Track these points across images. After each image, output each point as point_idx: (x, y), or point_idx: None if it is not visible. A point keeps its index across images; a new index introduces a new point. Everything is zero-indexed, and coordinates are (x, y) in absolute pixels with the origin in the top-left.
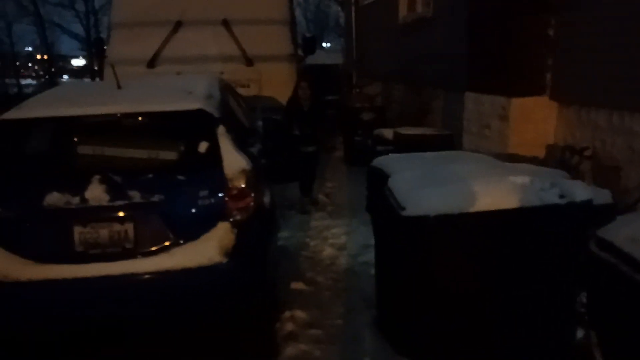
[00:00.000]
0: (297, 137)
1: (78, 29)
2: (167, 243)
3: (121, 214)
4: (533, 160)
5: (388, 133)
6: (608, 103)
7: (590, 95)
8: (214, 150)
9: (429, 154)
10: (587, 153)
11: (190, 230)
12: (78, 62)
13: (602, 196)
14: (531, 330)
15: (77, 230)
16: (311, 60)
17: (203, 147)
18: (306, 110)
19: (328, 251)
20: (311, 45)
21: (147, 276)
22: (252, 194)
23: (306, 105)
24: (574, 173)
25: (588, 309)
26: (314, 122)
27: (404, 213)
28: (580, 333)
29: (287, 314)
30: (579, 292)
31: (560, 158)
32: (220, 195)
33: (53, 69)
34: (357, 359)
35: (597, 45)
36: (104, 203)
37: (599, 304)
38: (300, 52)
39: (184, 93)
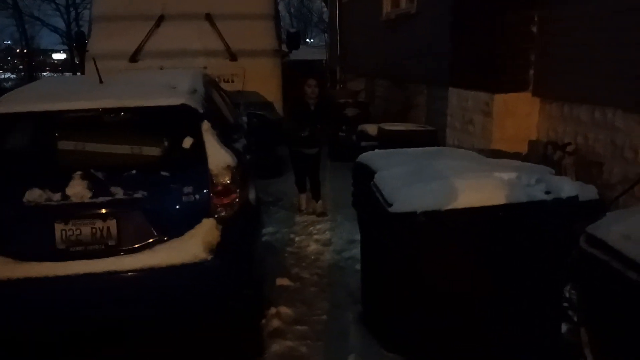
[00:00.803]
0: (302, 138)
1: (58, 22)
2: (150, 240)
3: (103, 210)
4: (516, 155)
5: (372, 129)
6: (590, 99)
7: (572, 91)
8: (198, 146)
9: (414, 150)
10: (570, 149)
11: (174, 227)
12: (59, 56)
13: (588, 192)
14: (519, 326)
15: (59, 227)
16: (295, 56)
17: (187, 142)
18: (313, 109)
19: (313, 247)
20: (295, 40)
21: (130, 274)
22: (237, 190)
23: (313, 105)
24: (557, 168)
25: (578, 306)
26: (321, 123)
27: (391, 209)
28: (564, 327)
29: (273, 310)
30: (563, 287)
31: (543, 153)
32: (204, 191)
33: (33, 63)
34: (344, 355)
35: (579, 42)
36: (86, 200)
37: (590, 301)
38: (284, 47)
39: (167, 88)
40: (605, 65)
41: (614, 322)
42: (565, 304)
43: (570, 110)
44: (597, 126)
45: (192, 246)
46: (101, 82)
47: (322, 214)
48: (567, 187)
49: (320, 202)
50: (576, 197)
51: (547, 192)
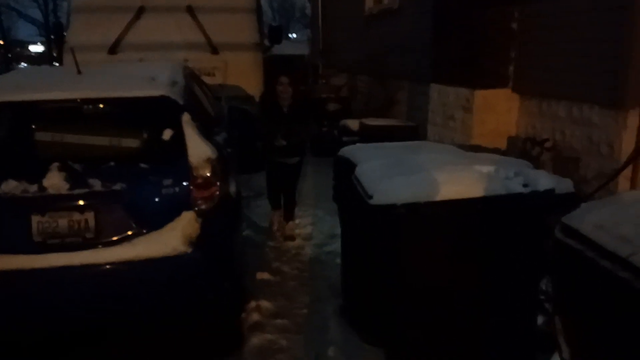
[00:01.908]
0: (275, 146)
1: (36, 13)
2: (129, 233)
3: (81, 202)
4: (495, 151)
5: (354, 124)
6: (568, 95)
7: (551, 88)
8: (179, 138)
9: (395, 144)
10: (548, 145)
11: (153, 219)
12: (36, 48)
13: (564, 185)
14: (499, 317)
15: (35, 219)
16: (277, 50)
17: (167, 134)
18: (286, 112)
19: (294, 241)
20: (277, 34)
21: (108, 267)
22: (217, 183)
23: (285, 106)
24: (535, 164)
25: (553, 295)
26: (297, 127)
27: (372, 201)
28: (540, 319)
29: (253, 304)
30: (539, 279)
31: (521, 149)
32: (184, 184)
33: (9, 55)
34: (324, 348)
35: (556, 38)
36: (63, 191)
37: (564, 290)
38: (266, 41)
39: (147, 79)
40: (582, 62)
41: (587, 311)
42: (542, 297)
43: (548, 107)
44: (575, 122)
45: (171, 239)
46: (79, 72)
47: (290, 237)
48: (544, 180)
49: (291, 223)
50: (553, 189)
51: (525, 185)
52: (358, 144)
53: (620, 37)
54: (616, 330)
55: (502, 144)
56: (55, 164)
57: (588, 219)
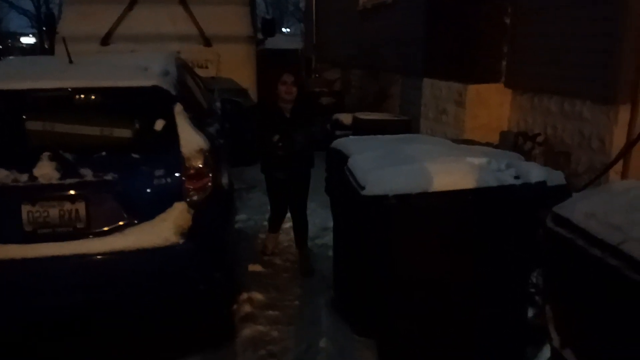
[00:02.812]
0: (276, 157)
1: (28, 4)
2: (120, 223)
3: (72, 192)
4: (487, 145)
5: (347, 118)
6: (560, 90)
7: (543, 83)
8: (171, 128)
9: (388, 137)
10: (539, 139)
11: (145, 210)
12: (28, 40)
13: (556, 177)
14: (490, 309)
15: (26, 209)
16: (271, 44)
17: (159, 125)
18: (288, 117)
19: (286, 234)
20: (271, 27)
21: (99, 257)
22: (210, 174)
23: (288, 110)
24: (527, 158)
25: (544, 284)
26: (301, 134)
27: (364, 192)
28: (531, 312)
29: (245, 295)
30: (530, 272)
31: (513, 143)
32: (176, 174)
33: (1, 47)
34: (315, 340)
35: (550, 34)
36: (54, 181)
37: (555, 279)
38: (259, 34)
39: (139, 69)
40: (574, 57)
41: (577, 299)
42: (532, 289)
43: (540, 102)
44: (566, 117)
45: (163, 229)
46: (71, 62)
47: (308, 272)
48: (535, 172)
49: (306, 251)
50: (544, 182)
51: (517, 177)
52: (351, 137)
53: (611, 33)
54: (606, 317)
55: (494, 139)
56: (46, 154)
57: (579, 208)
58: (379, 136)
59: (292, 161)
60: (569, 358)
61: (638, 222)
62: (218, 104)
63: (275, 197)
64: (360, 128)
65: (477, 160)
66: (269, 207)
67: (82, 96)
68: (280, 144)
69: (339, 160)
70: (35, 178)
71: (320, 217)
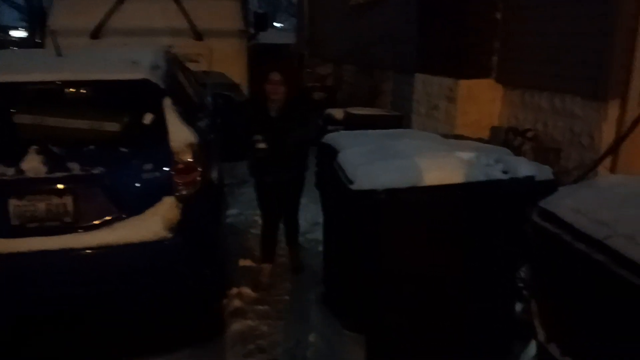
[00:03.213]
0: (261, 160)
1: None
2: (109, 217)
3: (60, 186)
4: (478, 141)
5: (338, 113)
6: (550, 86)
7: (533, 79)
8: (160, 122)
9: (378, 131)
10: (530, 135)
11: (133, 204)
12: (18, 33)
13: (544, 172)
14: (479, 303)
15: (13, 202)
16: (263, 39)
17: (148, 118)
18: (274, 116)
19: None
20: (263, 22)
21: (87, 251)
22: (199, 169)
23: (274, 109)
24: (517, 154)
25: (530, 278)
26: (288, 135)
27: (353, 187)
28: (519, 307)
29: (235, 290)
30: (519, 267)
31: (504, 139)
32: (165, 169)
33: None
34: (304, 334)
35: (540, 30)
36: (42, 175)
37: (541, 274)
38: (251, 29)
39: (128, 63)
40: (564, 53)
41: (563, 294)
42: (521, 284)
43: (531, 98)
44: (557, 113)
45: (152, 224)
46: (60, 55)
47: (297, 268)
48: (524, 167)
49: (297, 249)
50: (533, 177)
51: (505, 172)
52: (341, 131)
53: (602, 29)
54: (592, 312)
55: (485, 135)
56: (34, 147)
57: (565, 203)
58: (370, 131)
59: (281, 164)
60: (554, 353)
61: (624, 217)
62: (209, 99)
63: (266, 203)
64: (352, 123)
65: (466, 155)
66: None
67: (71, 89)
68: (261, 146)
69: (330, 154)
70: (23, 172)
71: (311, 212)
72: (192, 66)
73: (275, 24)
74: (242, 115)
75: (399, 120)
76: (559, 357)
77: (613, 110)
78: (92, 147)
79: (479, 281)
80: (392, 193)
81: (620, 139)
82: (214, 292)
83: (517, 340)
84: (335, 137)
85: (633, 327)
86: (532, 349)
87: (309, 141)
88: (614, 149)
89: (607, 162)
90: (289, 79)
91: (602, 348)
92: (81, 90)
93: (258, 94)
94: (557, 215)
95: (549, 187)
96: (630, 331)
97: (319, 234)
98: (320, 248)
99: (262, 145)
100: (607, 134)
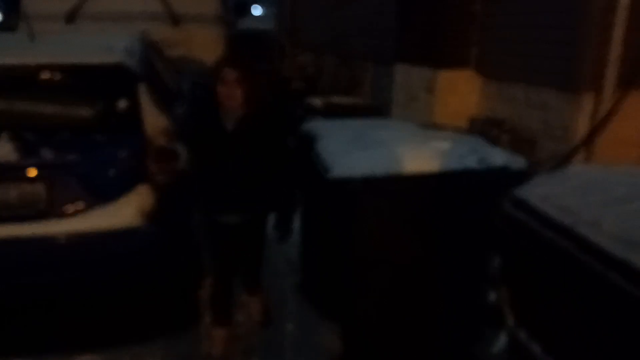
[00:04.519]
0: (212, 194)
1: None
2: (82, 205)
3: (32, 173)
4: (457, 129)
5: (318, 102)
6: (526, 78)
7: (509, 71)
8: (134, 108)
9: (357, 121)
10: (505, 126)
11: (107, 191)
12: None
13: (517, 162)
14: (451, 291)
15: None
16: (242, 25)
17: (122, 104)
18: (231, 130)
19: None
20: (242, 8)
21: (60, 239)
22: (175, 156)
23: (232, 120)
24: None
25: (501, 265)
26: (252, 159)
27: (329, 175)
28: (493, 296)
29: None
30: (491, 254)
31: (480, 131)
32: (140, 156)
33: None
34: (281, 323)
35: (516, 23)
36: (13, 161)
37: (511, 261)
38: (231, 16)
39: (103, 47)
40: (539, 46)
41: (532, 280)
42: (493, 272)
43: (507, 89)
44: (531, 105)
45: (126, 212)
46: (33, 39)
47: (266, 321)
48: (498, 157)
49: (260, 297)
50: (506, 166)
51: (479, 162)
52: (321, 121)
53: (575, 22)
54: (559, 298)
55: (463, 125)
56: (5, 133)
57: (536, 191)
58: (348, 120)
59: (237, 199)
60: (524, 338)
61: (590, 205)
62: (187, 86)
63: (219, 252)
64: (332, 112)
65: (442, 145)
66: None
67: (44, 74)
68: (211, 172)
69: (308, 143)
70: None
71: None
72: (169, 52)
73: (254, 11)
74: (185, 123)
75: (379, 110)
76: (528, 342)
77: (587, 102)
78: (65, 133)
79: (451, 269)
80: (368, 182)
81: (593, 130)
82: (189, 282)
83: (489, 327)
84: (314, 126)
85: (598, 311)
86: (503, 335)
87: (285, 172)
88: (587, 140)
89: (583, 153)
90: (251, 79)
91: (569, 333)
92: (54, 75)
93: (213, 97)
94: (528, 203)
95: (522, 177)
96: (594, 315)
97: (296, 224)
98: (297, 237)
99: (212, 174)
100: (582, 126)
